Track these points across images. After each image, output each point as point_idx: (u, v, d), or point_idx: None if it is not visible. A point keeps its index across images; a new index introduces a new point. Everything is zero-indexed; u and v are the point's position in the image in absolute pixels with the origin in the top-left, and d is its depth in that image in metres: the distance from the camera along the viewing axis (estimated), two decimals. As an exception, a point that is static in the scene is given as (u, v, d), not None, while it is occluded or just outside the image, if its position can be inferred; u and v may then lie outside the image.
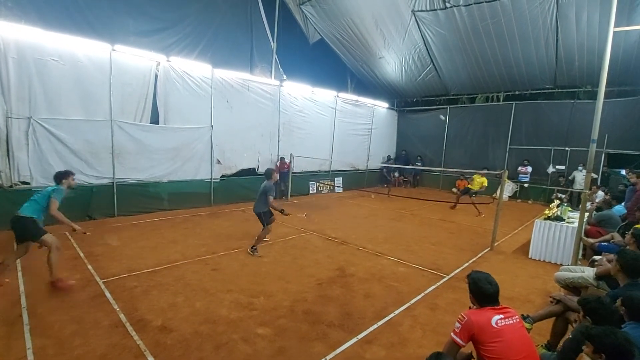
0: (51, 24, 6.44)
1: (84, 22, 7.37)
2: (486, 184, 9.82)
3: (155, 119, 8.00)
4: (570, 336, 2.36)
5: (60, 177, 4.22)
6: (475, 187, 9.80)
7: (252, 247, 5.42)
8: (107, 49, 7.03)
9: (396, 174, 15.48)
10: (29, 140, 6.29)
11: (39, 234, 3.90)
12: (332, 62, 13.89)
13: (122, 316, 3.43)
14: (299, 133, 11.57)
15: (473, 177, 10.02)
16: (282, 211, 5.41)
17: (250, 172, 10.23)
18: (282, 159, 10.93)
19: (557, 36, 9.79)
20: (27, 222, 3.88)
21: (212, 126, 8.98)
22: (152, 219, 7.48)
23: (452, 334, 2.11)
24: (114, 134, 7.27)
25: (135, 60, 7.51)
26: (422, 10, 10.43)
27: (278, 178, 5.63)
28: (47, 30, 6.30)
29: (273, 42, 11.04)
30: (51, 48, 6.40)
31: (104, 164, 7.24)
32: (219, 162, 9.28)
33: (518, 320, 2.12)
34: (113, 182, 7.38)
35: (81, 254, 5.11)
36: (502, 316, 2.07)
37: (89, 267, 4.65)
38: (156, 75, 7.85)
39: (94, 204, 7.17)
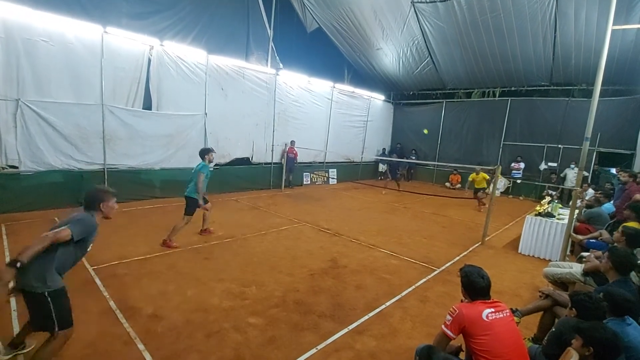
0: (41, 3, 6.20)
1: (75, 2, 7.11)
2: (488, 177, 9.58)
3: (147, 105, 7.83)
4: (554, 329, 2.41)
5: (202, 154, 5.31)
6: (481, 185, 9.58)
7: None
8: (98, 31, 6.83)
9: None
10: (17, 123, 6.12)
11: (188, 212, 5.16)
12: (329, 52, 13.71)
13: (112, 303, 3.40)
14: (294, 123, 11.48)
15: (479, 175, 9.60)
16: None
17: (244, 161, 10.15)
18: (293, 142, 11.01)
19: (555, 33, 9.79)
20: (187, 201, 5.19)
21: (206, 114, 8.84)
22: (143, 206, 7.39)
23: (443, 326, 2.13)
24: (105, 119, 7.11)
25: (128, 43, 7.31)
26: (421, 2, 10.32)
27: None
28: (36, 9, 6.08)
29: (270, 29, 10.83)
30: (40, 28, 6.18)
31: (95, 149, 7.10)
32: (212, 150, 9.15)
33: (508, 314, 2.14)
34: (104, 168, 7.25)
35: (71, 240, 5.03)
36: (492, 310, 2.09)
37: (79, 253, 4.58)
38: (149, 60, 7.66)
39: (84, 189, 6.99)
